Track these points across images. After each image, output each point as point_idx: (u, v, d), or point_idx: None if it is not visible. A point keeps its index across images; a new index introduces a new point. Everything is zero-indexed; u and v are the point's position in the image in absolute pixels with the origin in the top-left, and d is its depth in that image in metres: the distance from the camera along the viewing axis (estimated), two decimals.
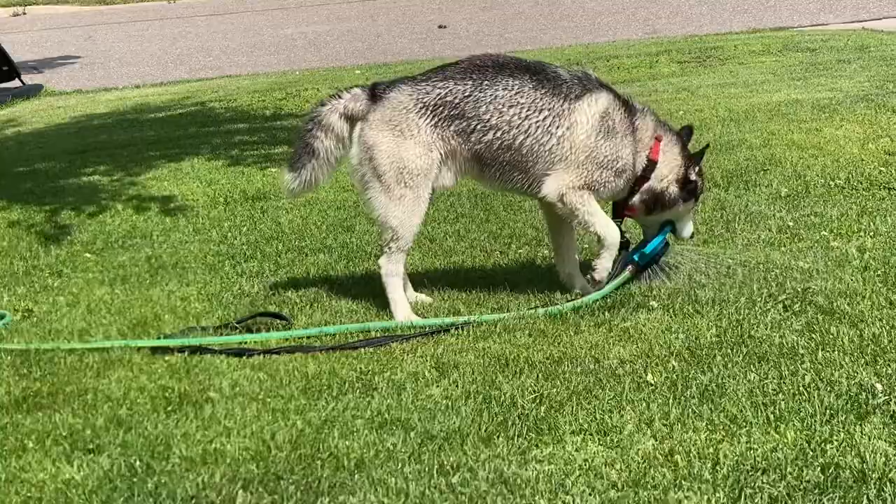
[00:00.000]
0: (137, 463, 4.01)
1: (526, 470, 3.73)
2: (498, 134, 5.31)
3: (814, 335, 4.65)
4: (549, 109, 5.31)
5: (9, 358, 5.18)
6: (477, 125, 5.31)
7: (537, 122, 5.30)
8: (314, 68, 16.76)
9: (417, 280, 5.83)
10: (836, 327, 4.70)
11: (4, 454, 4.19)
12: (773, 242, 5.95)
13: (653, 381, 4.35)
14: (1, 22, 26.89)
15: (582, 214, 5.36)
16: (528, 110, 5.30)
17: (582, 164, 5.32)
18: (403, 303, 5.40)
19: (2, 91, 16.65)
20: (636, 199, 5.48)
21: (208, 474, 3.88)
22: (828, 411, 3.95)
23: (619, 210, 5.57)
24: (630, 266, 5.49)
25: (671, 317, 5.03)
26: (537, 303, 5.38)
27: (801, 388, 4.16)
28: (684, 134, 5.63)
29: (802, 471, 3.56)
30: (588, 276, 5.49)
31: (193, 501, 3.71)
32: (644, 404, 4.16)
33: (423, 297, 5.63)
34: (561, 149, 5.31)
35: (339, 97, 5.45)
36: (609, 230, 5.40)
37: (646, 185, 5.46)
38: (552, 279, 5.68)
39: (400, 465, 3.84)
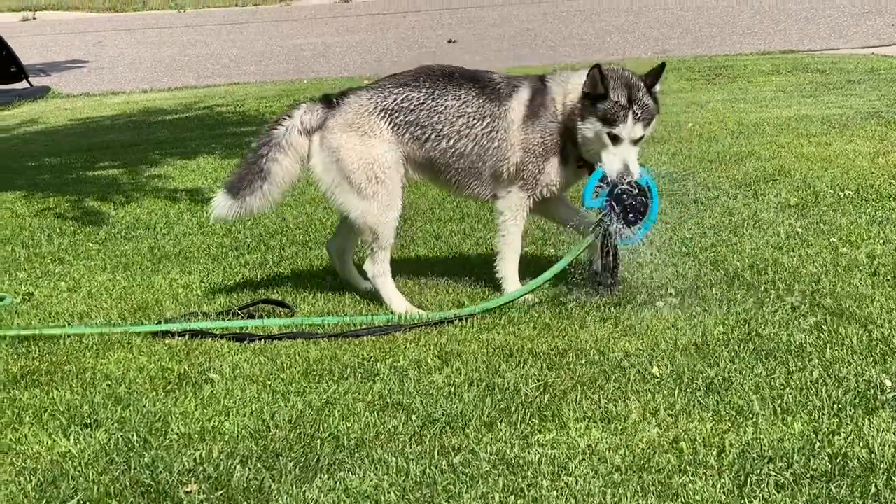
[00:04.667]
0: (135, 438, 3.97)
1: (528, 453, 3.68)
2: (450, 143, 5.38)
3: (822, 334, 4.60)
4: (490, 115, 5.37)
5: (7, 337, 5.15)
6: (431, 134, 5.37)
7: (485, 129, 5.36)
8: (322, 78, 16.74)
9: (422, 274, 5.79)
10: (845, 328, 4.65)
11: (0, 427, 4.15)
12: (781, 247, 5.90)
13: (658, 374, 4.30)
14: (10, 26, 26.90)
15: (506, 221, 5.42)
16: (473, 119, 5.37)
17: (520, 159, 5.33)
18: (399, 298, 5.39)
19: (9, 92, 16.66)
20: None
21: (206, 450, 3.85)
22: (835, 405, 3.90)
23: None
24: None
25: (678, 315, 4.98)
26: (543, 297, 5.33)
27: (808, 384, 4.11)
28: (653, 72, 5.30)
29: (809, 460, 3.52)
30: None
31: (190, 475, 3.67)
32: (649, 395, 4.11)
33: (367, 285, 5.58)
34: (502, 150, 5.36)
35: (290, 116, 5.43)
36: (514, 233, 5.44)
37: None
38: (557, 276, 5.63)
39: (401, 445, 3.80)
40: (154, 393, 4.40)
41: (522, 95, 5.39)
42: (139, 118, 13.41)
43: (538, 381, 4.29)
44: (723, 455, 3.60)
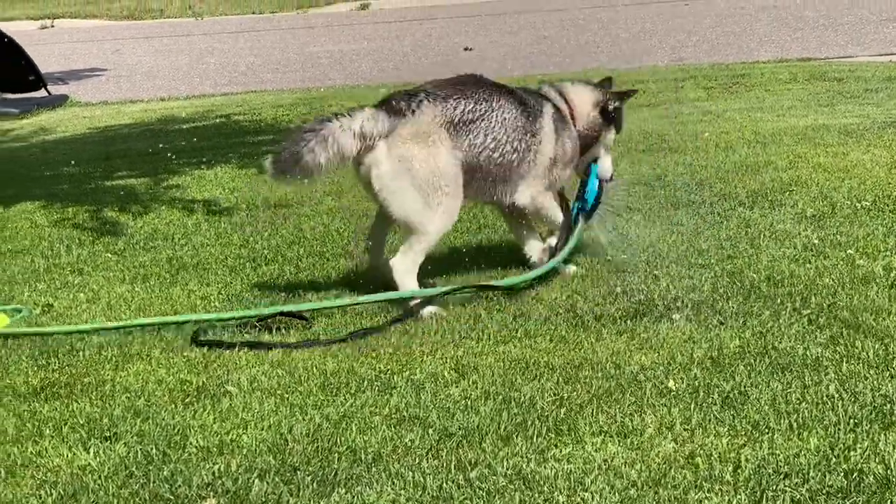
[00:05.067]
0: (154, 451, 4.00)
1: (545, 468, 3.70)
2: (502, 153, 5.70)
3: (838, 348, 4.61)
4: (530, 131, 5.77)
5: (27, 349, 5.21)
6: (491, 143, 5.67)
7: (525, 140, 5.75)
8: (339, 86, 16.78)
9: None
10: (862, 341, 4.66)
11: (21, 440, 4.20)
12: (798, 259, 5.90)
13: (674, 388, 4.32)
14: (29, 34, 26.99)
15: (546, 211, 5.93)
16: (521, 132, 5.74)
17: (547, 167, 5.84)
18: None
19: (28, 101, 16.72)
20: None
21: (224, 464, 3.87)
22: (852, 420, 3.91)
23: None
24: (581, 219, 5.95)
25: (694, 327, 5.00)
26: (560, 310, 5.35)
27: (824, 398, 4.12)
28: (605, 84, 6.12)
29: (825, 476, 3.52)
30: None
31: (209, 489, 3.70)
32: (665, 409, 4.12)
33: None
34: (537, 161, 5.81)
35: (352, 116, 5.49)
36: (559, 214, 5.94)
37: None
38: (573, 288, 5.65)
39: (418, 459, 3.82)
40: (173, 406, 4.44)
41: (548, 110, 5.82)
42: (157, 127, 13.47)
43: (554, 394, 4.31)
44: (739, 470, 3.61)
